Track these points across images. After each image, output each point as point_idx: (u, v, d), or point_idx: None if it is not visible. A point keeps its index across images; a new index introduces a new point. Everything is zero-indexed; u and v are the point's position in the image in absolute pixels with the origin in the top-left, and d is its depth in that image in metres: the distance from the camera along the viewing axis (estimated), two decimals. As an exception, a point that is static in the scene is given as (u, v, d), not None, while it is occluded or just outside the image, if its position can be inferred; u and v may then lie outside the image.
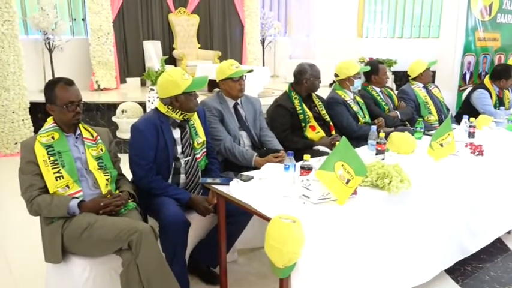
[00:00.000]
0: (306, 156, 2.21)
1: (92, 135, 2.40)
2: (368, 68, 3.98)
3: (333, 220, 1.95)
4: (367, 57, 10.16)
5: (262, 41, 9.97)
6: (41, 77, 7.30)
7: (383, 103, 4.04)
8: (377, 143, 2.75)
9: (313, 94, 3.57)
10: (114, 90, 7.64)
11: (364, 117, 3.74)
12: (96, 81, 7.56)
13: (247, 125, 3.15)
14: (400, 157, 2.81)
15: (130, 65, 8.21)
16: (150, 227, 2.07)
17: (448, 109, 4.44)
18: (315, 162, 2.28)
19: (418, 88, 4.30)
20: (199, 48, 8.90)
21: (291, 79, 3.59)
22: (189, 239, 2.46)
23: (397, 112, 4.06)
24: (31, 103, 5.90)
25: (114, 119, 5.54)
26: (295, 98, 3.45)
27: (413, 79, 4.37)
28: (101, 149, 2.38)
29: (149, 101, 5.45)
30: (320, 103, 3.57)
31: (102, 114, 6.03)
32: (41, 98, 6.55)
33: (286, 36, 10.88)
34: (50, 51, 7.18)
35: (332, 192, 1.96)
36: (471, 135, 3.22)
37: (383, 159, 2.72)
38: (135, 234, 2.00)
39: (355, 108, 3.68)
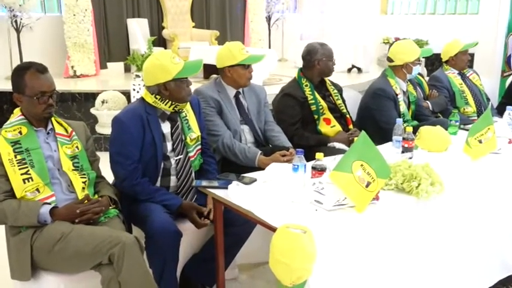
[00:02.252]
0: (319, 155, 2.21)
1: (67, 131, 2.41)
2: (431, 51, 3.94)
3: (351, 230, 1.95)
4: (392, 37, 10.15)
5: (268, 19, 9.97)
6: (6, 61, 7.32)
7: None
8: (403, 138, 2.74)
9: (327, 80, 3.57)
10: (93, 77, 7.67)
11: (410, 120, 3.65)
12: (72, 67, 7.59)
13: (250, 118, 3.16)
14: (430, 155, 2.81)
15: (112, 47, 8.22)
16: (135, 238, 2.08)
17: (488, 99, 4.43)
18: (330, 161, 2.28)
19: (452, 74, 4.29)
20: (193, 27, 8.92)
21: (302, 63, 3.58)
22: (181, 252, 2.46)
23: (428, 102, 4.05)
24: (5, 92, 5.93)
25: (92, 110, 5.56)
26: (306, 85, 3.45)
27: (446, 63, 4.35)
28: (77, 147, 2.39)
29: (134, 89, 5.47)
30: (336, 91, 3.57)
31: (78, 105, 6.05)
32: (6, 86, 6.64)
33: (297, 12, 10.87)
34: (17, 30, 7.20)
35: (349, 197, 1.96)
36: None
37: (411, 158, 2.72)
38: (117, 247, 2.01)
39: (402, 107, 3.62)
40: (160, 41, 8.53)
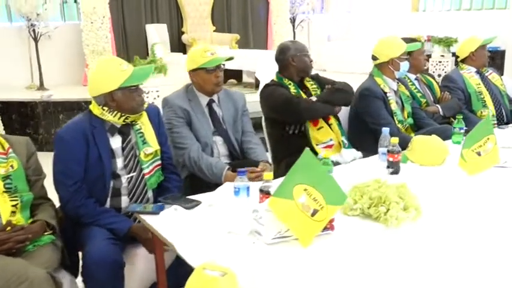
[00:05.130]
0: (267, 175, 1.84)
1: (3, 147, 2.16)
2: (418, 44, 3.54)
3: (294, 268, 1.58)
4: (424, 35, 9.58)
5: (293, 20, 9.59)
6: (27, 70, 7.30)
7: (419, 95, 3.60)
8: (388, 151, 2.35)
9: (307, 78, 3.20)
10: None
11: (403, 120, 3.28)
12: (91, 74, 7.47)
13: (225, 129, 2.83)
14: (422, 170, 2.41)
15: (131, 53, 8.01)
16: (47, 275, 1.79)
17: (511, 100, 3.92)
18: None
19: (468, 74, 3.81)
20: (214, 31, 8.66)
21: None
22: (134, 283, 2.18)
23: (438, 106, 3.60)
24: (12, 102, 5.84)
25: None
26: (289, 84, 3.10)
27: (463, 61, 3.88)
28: (12, 166, 2.13)
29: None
30: (315, 86, 3.18)
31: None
32: (27, 95, 6.59)
33: (323, 13, 10.44)
34: (35, 40, 7.13)
35: (290, 229, 1.60)
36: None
37: (395, 173, 2.33)
38: (23, 285, 1.72)
39: (393, 106, 3.24)
40: (180, 46, 8.33)
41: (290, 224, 1.59)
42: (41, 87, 7.14)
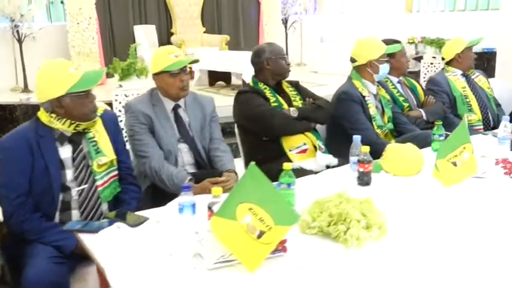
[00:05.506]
0: (215, 190, 1.67)
1: None
2: (398, 46, 3.37)
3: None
4: (418, 36, 9.41)
5: (285, 21, 9.42)
6: (11, 72, 7.15)
7: (401, 98, 3.42)
8: (358, 161, 2.18)
9: (283, 82, 3.03)
10: (100, 87, 7.30)
11: (383, 125, 3.12)
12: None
13: (191, 135, 2.66)
14: (396, 181, 2.25)
15: (119, 55, 7.81)
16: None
17: (498, 104, 3.75)
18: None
19: (454, 76, 3.64)
20: (204, 32, 8.50)
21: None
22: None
23: (422, 111, 3.43)
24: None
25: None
26: (265, 88, 2.93)
27: (448, 63, 3.71)
28: None
29: (116, 100, 5.08)
30: (294, 93, 3.02)
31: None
32: (8, 98, 6.43)
33: (316, 13, 10.28)
34: (19, 41, 6.97)
35: (233, 253, 1.43)
36: (515, 145, 2.57)
37: (366, 184, 2.16)
38: None
39: (372, 110, 3.07)
40: (169, 48, 8.15)
41: (233, 247, 1.42)
42: (26, 89, 6.99)
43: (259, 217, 1.43)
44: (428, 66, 7.23)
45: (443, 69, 3.75)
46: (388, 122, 3.16)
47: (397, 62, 3.45)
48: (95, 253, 1.60)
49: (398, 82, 3.51)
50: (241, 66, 6.67)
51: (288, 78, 3.05)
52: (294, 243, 1.61)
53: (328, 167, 2.75)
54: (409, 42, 9.65)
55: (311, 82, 6.71)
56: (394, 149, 2.34)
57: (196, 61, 2.71)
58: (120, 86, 4.97)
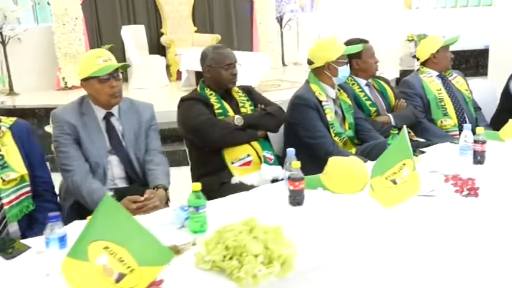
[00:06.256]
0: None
1: None
2: (360, 47, 3.09)
3: None
4: (417, 33, 9.10)
5: (280, 20, 9.14)
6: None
7: (368, 103, 3.15)
8: (288, 178, 1.94)
9: (235, 88, 2.79)
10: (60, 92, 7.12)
11: (342, 133, 2.85)
12: (63, 78, 7.16)
13: (124, 146, 2.43)
14: (335, 200, 2.00)
15: (108, 56, 7.70)
16: None
17: (477, 108, 3.46)
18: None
19: (429, 78, 3.36)
20: (195, 32, 8.26)
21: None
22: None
23: (390, 116, 3.15)
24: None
25: (48, 128, 4.99)
26: (211, 94, 2.69)
27: (423, 64, 3.43)
28: None
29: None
30: (244, 98, 2.78)
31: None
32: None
33: (314, 11, 9.98)
34: (3, 43, 6.82)
35: (86, 300, 1.20)
36: (478, 157, 2.28)
37: (297, 204, 1.92)
38: None
39: (330, 116, 2.81)
40: (159, 49, 7.95)
41: (85, 293, 1.18)
42: (11, 92, 6.85)
43: (118, 257, 1.20)
44: (422, 65, 6.89)
45: (418, 70, 3.46)
46: (349, 129, 2.89)
47: (365, 64, 3.18)
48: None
49: (367, 85, 3.24)
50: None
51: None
52: (182, 280, 1.38)
53: (276, 180, 2.51)
54: (408, 40, 9.35)
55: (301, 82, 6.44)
56: (335, 163, 2.08)
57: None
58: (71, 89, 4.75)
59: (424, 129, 3.23)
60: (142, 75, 7.17)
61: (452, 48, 3.43)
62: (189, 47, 7.95)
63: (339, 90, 2.95)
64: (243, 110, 2.71)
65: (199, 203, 1.69)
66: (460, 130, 3.19)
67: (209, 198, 2.29)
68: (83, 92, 2.46)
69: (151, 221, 1.81)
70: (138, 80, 7.11)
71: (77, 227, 1.69)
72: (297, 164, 1.91)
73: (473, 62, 8.61)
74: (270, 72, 7.32)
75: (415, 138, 3.19)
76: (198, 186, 1.69)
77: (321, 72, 2.84)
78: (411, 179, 1.83)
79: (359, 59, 3.15)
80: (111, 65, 2.33)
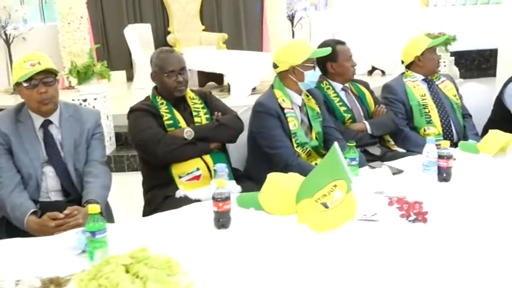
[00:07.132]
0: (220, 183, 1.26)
1: None
2: (328, 50, 2.82)
3: None
4: (436, 32, 8.71)
5: (292, 18, 8.89)
6: (3, 74, 7.00)
7: (342, 109, 2.90)
8: (213, 198, 1.73)
9: (188, 92, 2.58)
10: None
11: (306, 143, 2.60)
12: (67, 77, 7.09)
13: (61, 156, 2.26)
14: (269, 221, 1.79)
15: (113, 55, 7.64)
16: None
17: (467, 115, 3.16)
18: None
19: (413, 82, 3.08)
20: (203, 30, 8.10)
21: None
22: None
23: (366, 123, 2.90)
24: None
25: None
26: (162, 103, 2.49)
27: (408, 67, 3.16)
28: None
29: (80, 104, 4.77)
30: (198, 104, 2.56)
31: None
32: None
33: (328, 9, 9.69)
34: (7, 42, 6.81)
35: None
36: (443, 174, 2.03)
37: (223, 226, 1.71)
38: None
39: (293, 125, 2.58)
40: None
41: None
42: (15, 91, 6.83)
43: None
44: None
45: (402, 73, 3.19)
46: (316, 138, 2.66)
47: (340, 67, 2.92)
48: None
49: (343, 89, 2.98)
50: (226, 67, 6.27)
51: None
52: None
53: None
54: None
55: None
56: (271, 180, 1.87)
57: (55, 72, 2.26)
58: (76, 89, 4.65)
59: (405, 138, 2.98)
60: (146, 74, 7.04)
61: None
62: (196, 45, 7.81)
63: (307, 96, 2.72)
64: (196, 119, 2.49)
65: (97, 227, 1.50)
66: (446, 139, 2.92)
67: (154, 212, 2.14)
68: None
69: (52, 244, 1.63)
70: (141, 79, 6.98)
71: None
72: (221, 183, 1.71)
73: (493, 62, 8.21)
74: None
75: (395, 148, 2.95)
76: (95, 208, 1.51)
77: (286, 76, 2.62)
78: (345, 203, 1.60)
79: (334, 62, 2.90)
80: (34, 69, 2.15)
